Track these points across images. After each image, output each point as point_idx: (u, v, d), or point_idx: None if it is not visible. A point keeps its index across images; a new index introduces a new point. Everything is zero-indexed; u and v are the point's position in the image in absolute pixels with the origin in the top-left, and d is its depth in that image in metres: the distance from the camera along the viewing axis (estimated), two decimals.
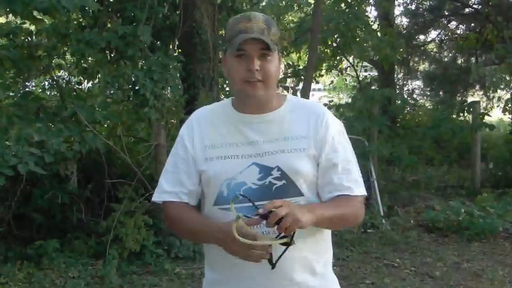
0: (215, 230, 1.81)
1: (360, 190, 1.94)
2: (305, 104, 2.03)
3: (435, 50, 14.94)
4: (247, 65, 1.84)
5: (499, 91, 13.21)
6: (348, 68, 11.91)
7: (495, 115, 14.00)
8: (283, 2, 11.31)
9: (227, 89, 8.13)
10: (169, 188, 1.96)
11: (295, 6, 11.59)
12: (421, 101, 15.08)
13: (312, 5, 11.06)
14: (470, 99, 12.45)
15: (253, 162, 1.89)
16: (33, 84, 7.36)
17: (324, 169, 1.91)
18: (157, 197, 1.99)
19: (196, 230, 1.91)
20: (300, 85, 8.57)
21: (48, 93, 7.18)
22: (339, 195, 1.90)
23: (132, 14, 5.95)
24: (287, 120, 1.94)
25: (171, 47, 6.93)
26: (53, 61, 6.23)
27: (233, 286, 1.92)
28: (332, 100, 11.89)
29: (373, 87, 11.66)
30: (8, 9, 5.00)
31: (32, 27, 6.03)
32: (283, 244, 1.73)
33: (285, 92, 8.63)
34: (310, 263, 1.92)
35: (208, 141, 1.94)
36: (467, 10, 12.96)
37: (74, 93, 6.50)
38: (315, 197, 1.93)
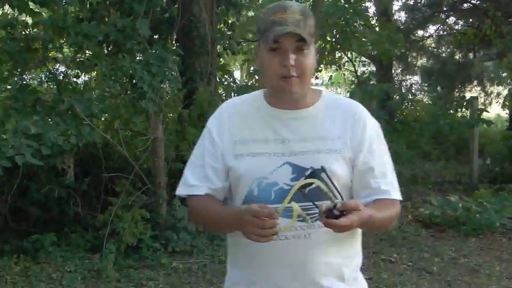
0: (236, 211, 1.70)
1: (397, 194, 1.85)
2: (341, 102, 1.91)
3: (433, 45, 14.92)
4: (282, 60, 1.72)
5: (497, 86, 13.22)
6: (346, 63, 11.88)
7: (493, 111, 14.01)
8: None
9: (225, 83, 8.12)
10: (196, 182, 1.85)
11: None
12: (419, 96, 15.07)
13: (311, 1, 11.05)
14: (468, 95, 12.45)
15: (286, 161, 1.78)
16: (30, 77, 7.33)
17: (361, 173, 1.82)
18: (182, 190, 1.89)
19: (220, 218, 1.82)
20: None
21: (45, 85, 7.16)
22: (377, 199, 1.81)
23: (131, 7, 5.93)
24: (322, 118, 1.83)
25: (169, 40, 6.91)
26: (50, 53, 6.21)
27: (258, 287, 1.83)
28: None
29: (371, 82, 11.64)
30: (4, 1, 4.98)
31: (29, 20, 6.00)
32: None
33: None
34: (339, 268, 1.83)
35: (237, 136, 1.83)
36: (465, 5, 12.94)
37: (70, 86, 6.47)
38: (348, 200, 1.80)
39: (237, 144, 1.83)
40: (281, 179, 1.77)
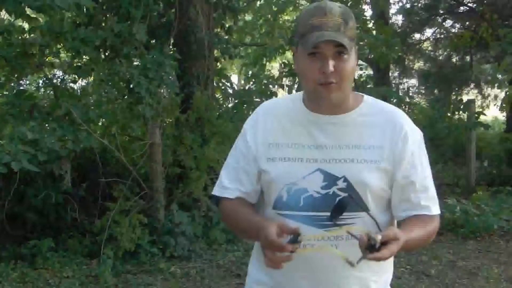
0: (260, 227, 1.63)
1: (436, 208, 1.79)
2: (382, 109, 1.82)
3: (430, 48, 14.93)
4: (321, 66, 1.64)
5: (494, 89, 13.21)
6: None
7: (490, 113, 14.02)
8: (280, 1, 11.27)
9: (223, 87, 8.12)
10: (229, 184, 1.83)
11: (291, 3, 11.55)
12: (417, 99, 15.08)
13: (308, 4, 11.06)
14: (465, 98, 12.46)
15: (318, 168, 1.73)
16: (27, 82, 7.33)
17: (401, 187, 1.75)
18: (217, 191, 1.86)
19: (246, 227, 1.77)
20: (296, 85, 8.55)
21: (43, 91, 7.15)
22: (416, 214, 1.75)
23: (128, 12, 5.93)
24: (361, 125, 1.76)
25: (166, 45, 6.91)
26: (47, 59, 6.21)
27: None
28: None
29: (368, 86, 11.64)
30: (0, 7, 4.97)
31: (26, 25, 6.00)
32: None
33: (282, 91, 8.64)
34: (366, 283, 1.80)
35: (272, 139, 1.79)
36: (462, 8, 12.95)
37: (67, 91, 6.47)
38: (382, 213, 1.78)
39: (271, 147, 1.79)
40: (312, 186, 1.73)
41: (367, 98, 1.84)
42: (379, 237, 1.49)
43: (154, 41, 6.70)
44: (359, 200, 1.71)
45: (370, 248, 1.49)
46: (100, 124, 6.62)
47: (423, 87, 15.32)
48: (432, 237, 1.81)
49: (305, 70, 1.70)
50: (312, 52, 1.65)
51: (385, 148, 1.74)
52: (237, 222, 1.84)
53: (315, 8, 1.68)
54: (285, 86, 9.04)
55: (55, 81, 6.66)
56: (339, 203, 1.60)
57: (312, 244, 1.69)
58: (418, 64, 15.43)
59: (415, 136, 1.79)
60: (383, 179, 1.74)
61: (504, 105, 10.05)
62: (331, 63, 1.63)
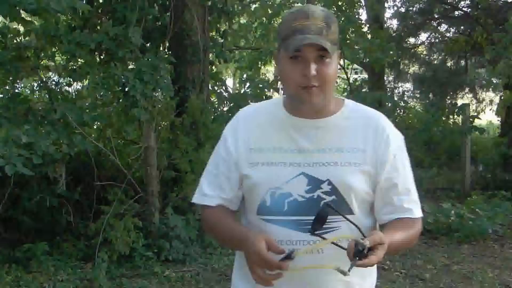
0: (243, 239, 1.64)
1: (419, 211, 1.80)
2: (364, 113, 1.82)
3: (425, 52, 14.97)
4: (302, 69, 1.64)
5: (489, 93, 13.29)
6: (339, 70, 11.93)
7: (485, 118, 14.07)
8: (276, 4, 11.28)
9: (218, 91, 8.12)
10: (209, 191, 1.82)
11: (286, 6, 11.57)
12: (411, 103, 15.12)
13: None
14: (460, 102, 12.51)
15: (302, 172, 1.72)
16: (22, 86, 7.31)
17: (384, 189, 1.76)
18: (197, 198, 1.86)
19: (229, 237, 1.77)
20: None
21: (37, 94, 7.14)
22: (399, 218, 1.76)
23: (123, 15, 5.92)
24: (342, 128, 1.76)
25: (161, 48, 6.91)
26: (41, 62, 6.20)
27: None
28: None
29: (363, 90, 11.67)
30: None
31: (21, 28, 5.99)
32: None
33: (277, 95, 8.64)
34: (352, 287, 1.79)
35: (253, 144, 1.77)
36: (457, 13, 12.99)
37: (62, 95, 6.45)
38: (365, 216, 1.78)
39: (253, 152, 1.77)
40: (296, 190, 1.72)
41: (348, 102, 1.84)
42: (367, 242, 1.49)
43: (149, 44, 6.70)
44: (341, 203, 1.70)
45: (358, 254, 1.49)
46: (95, 127, 6.61)
47: (418, 91, 15.36)
48: (415, 240, 1.82)
49: (287, 74, 1.69)
50: (294, 56, 1.65)
51: (368, 151, 1.74)
52: (219, 231, 1.83)
53: (298, 11, 1.68)
54: (280, 89, 9.05)
55: (50, 84, 6.64)
56: (318, 215, 1.58)
57: (297, 249, 1.64)
58: (413, 68, 15.48)
59: (397, 140, 1.80)
60: (366, 182, 1.74)
61: (499, 109, 10.11)
62: (313, 67, 1.63)
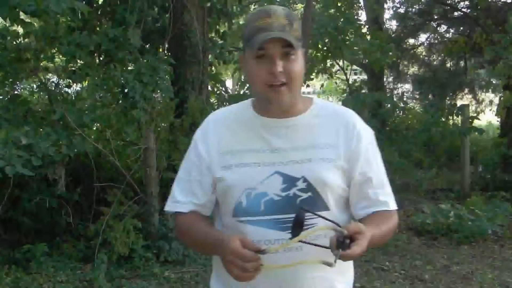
0: (217, 242, 1.65)
1: (394, 204, 1.81)
2: (333, 110, 1.85)
3: (424, 53, 14.99)
4: (268, 67, 1.65)
5: (489, 94, 13.28)
6: (338, 71, 11.91)
7: (484, 118, 14.06)
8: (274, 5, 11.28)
9: (218, 92, 8.12)
10: (182, 197, 1.82)
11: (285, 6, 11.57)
12: (411, 104, 15.14)
13: (302, 9, 11.08)
14: (459, 103, 12.52)
15: (276, 171, 1.71)
16: (21, 87, 7.32)
17: (358, 184, 1.77)
18: (169, 206, 1.86)
19: (203, 242, 1.77)
20: None
21: (37, 95, 7.15)
22: (376, 211, 1.77)
23: (122, 17, 5.93)
24: (313, 126, 1.77)
25: (161, 50, 6.92)
26: (41, 63, 6.20)
27: None
28: None
29: (363, 91, 11.68)
30: None
31: (21, 30, 6.00)
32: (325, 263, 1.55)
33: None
34: (331, 283, 1.78)
35: (225, 147, 1.77)
36: (456, 13, 13.00)
37: (62, 96, 6.46)
38: (341, 212, 1.78)
39: (224, 155, 1.77)
40: (271, 189, 1.71)
41: (317, 100, 1.86)
42: (344, 231, 1.51)
43: (148, 46, 6.71)
44: (317, 200, 1.71)
45: (341, 246, 1.50)
46: (94, 128, 6.61)
47: (418, 92, 15.37)
48: (393, 233, 1.84)
49: (253, 73, 1.70)
50: (260, 55, 1.66)
51: (340, 146, 1.75)
52: (192, 237, 1.83)
53: (260, 11, 1.70)
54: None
55: (49, 85, 6.65)
56: (295, 220, 1.57)
57: (275, 247, 1.64)
58: (413, 69, 15.50)
59: (368, 134, 1.82)
60: (341, 177, 1.75)
61: (499, 110, 10.11)
62: (279, 63, 1.64)
